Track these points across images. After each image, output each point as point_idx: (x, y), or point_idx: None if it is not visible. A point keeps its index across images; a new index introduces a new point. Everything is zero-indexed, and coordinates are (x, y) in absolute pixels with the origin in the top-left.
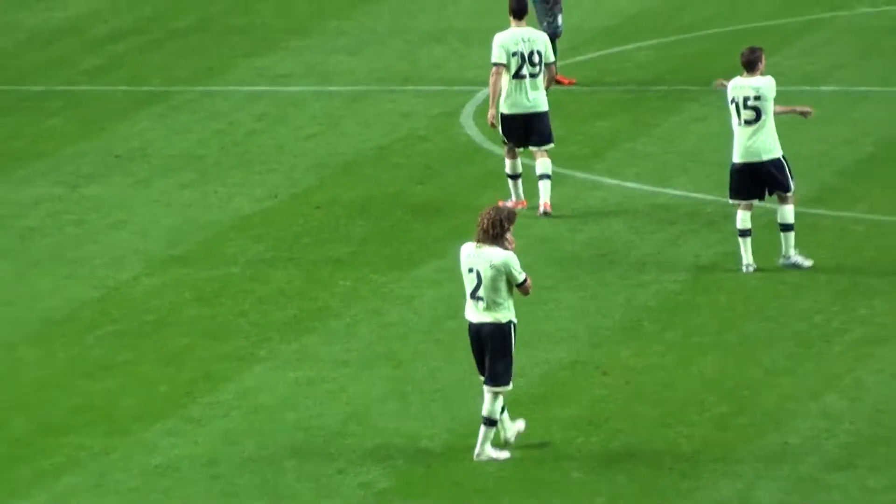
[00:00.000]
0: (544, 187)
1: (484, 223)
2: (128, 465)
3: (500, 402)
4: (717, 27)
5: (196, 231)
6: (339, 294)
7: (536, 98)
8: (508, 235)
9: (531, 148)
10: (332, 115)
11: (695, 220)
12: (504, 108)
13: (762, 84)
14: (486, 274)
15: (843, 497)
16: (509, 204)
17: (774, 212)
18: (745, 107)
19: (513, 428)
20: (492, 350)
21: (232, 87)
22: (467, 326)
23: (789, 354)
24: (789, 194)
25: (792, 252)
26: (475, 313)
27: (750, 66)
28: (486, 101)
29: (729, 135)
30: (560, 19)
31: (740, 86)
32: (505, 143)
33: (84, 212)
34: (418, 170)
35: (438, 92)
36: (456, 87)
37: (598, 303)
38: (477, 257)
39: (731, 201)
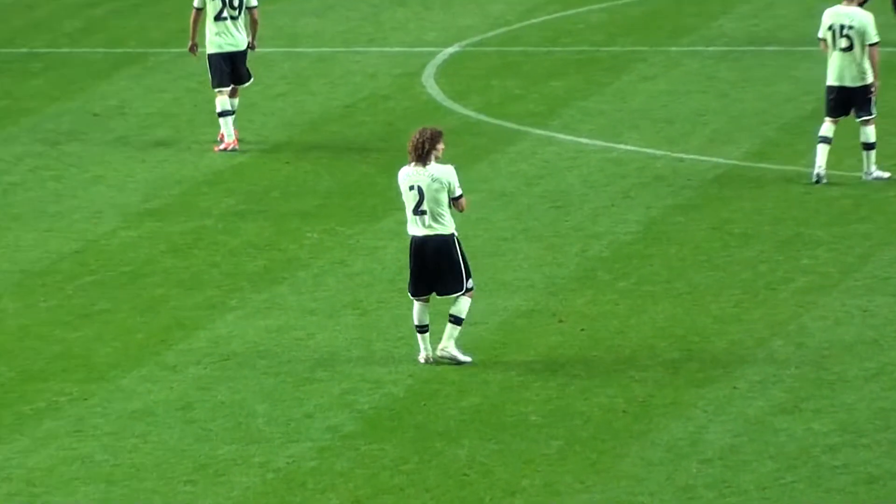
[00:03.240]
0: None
1: (412, 145)
2: (105, 410)
3: (465, 303)
4: None
5: (170, 185)
6: (307, 245)
7: (242, 38)
8: (437, 153)
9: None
10: (300, 75)
11: (645, 173)
12: (212, 49)
13: (857, 15)
14: (429, 187)
15: (790, 439)
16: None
17: (730, 166)
18: (841, 34)
19: (451, 347)
20: (439, 263)
21: (204, 49)
22: (410, 241)
23: (736, 302)
24: (870, 118)
25: (873, 168)
26: (419, 228)
27: None
28: (446, 61)
29: (676, 93)
30: None
31: (838, 13)
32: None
33: (64, 168)
34: (382, 127)
35: (401, 53)
36: (417, 49)
37: (554, 253)
38: (417, 174)
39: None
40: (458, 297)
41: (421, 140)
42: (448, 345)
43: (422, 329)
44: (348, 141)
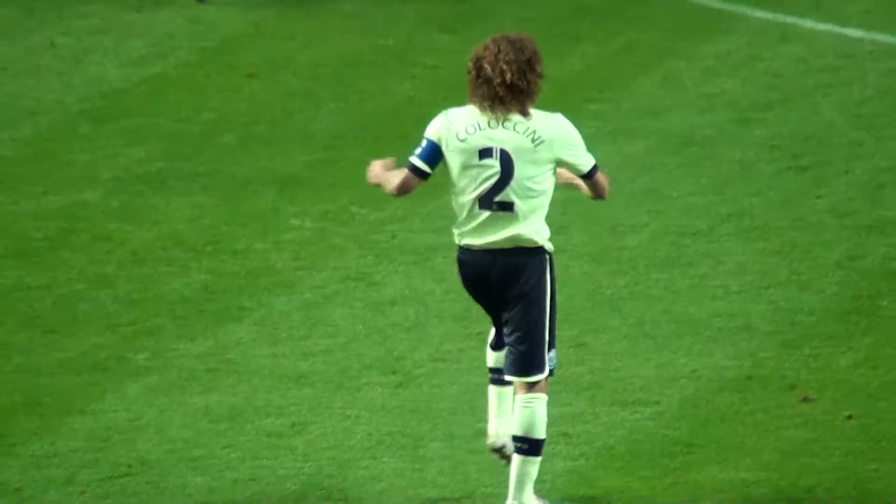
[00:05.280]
0: None
1: (496, 69)
2: None
3: (541, 408)
4: None
5: (18, 119)
6: (292, 244)
7: None
8: (537, 89)
9: None
10: None
11: None
12: None
13: None
14: (522, 155)
15: None
16: None
17: None
18: None
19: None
20: (511, 303)
21: None
22: (459, 261)
23: None
24: None
25: None
26: (484, 235)
27: None
28: None
29: None
30: None
31: None
32: None
33: None
34: (448, 3)
35: None
36: None
37: (793, 262)
38: (500, 129)
39: None
40: (535, 392)
41: (516, 59)
42: (524, 499)
43: (498, 377)
44: (373, 30)
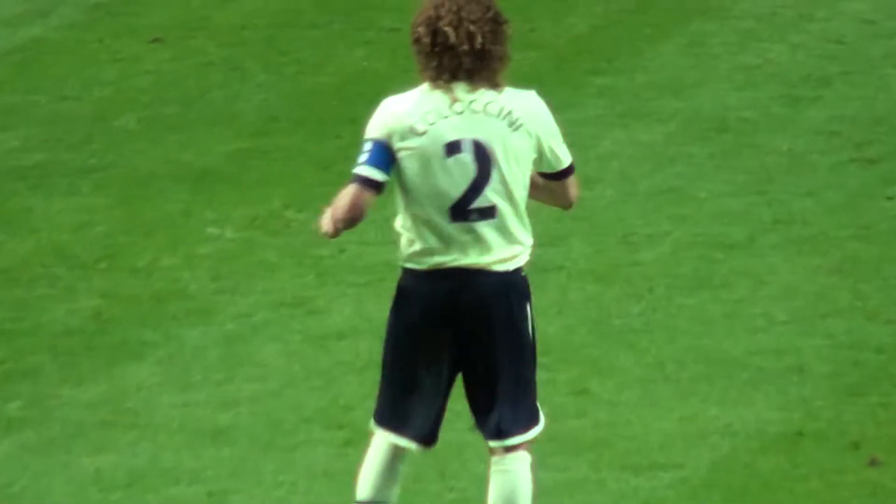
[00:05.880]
0: None
1: (470, 35)
2: None
3: (525, 469)
4: None
5: None
6: (214, 256)
7: None
8: (505, 57)
9: None
10: None
11: None
12: None
13: None
14: (507, 146)
15: None
16: None
17: None
18: None
19: None
20: (487, 341)
21: None
22: (410, 284)
23: None
24: None
25: None
26: (456, 251)
27: None
28: None
29: None
30: None
31: None
32: None
33: None
34: None
35: None
36: None
37: (854, 279)
38: (469, 113)
39: None
40: (517, 451)
41: (482, 18)
42: None
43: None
44: None
